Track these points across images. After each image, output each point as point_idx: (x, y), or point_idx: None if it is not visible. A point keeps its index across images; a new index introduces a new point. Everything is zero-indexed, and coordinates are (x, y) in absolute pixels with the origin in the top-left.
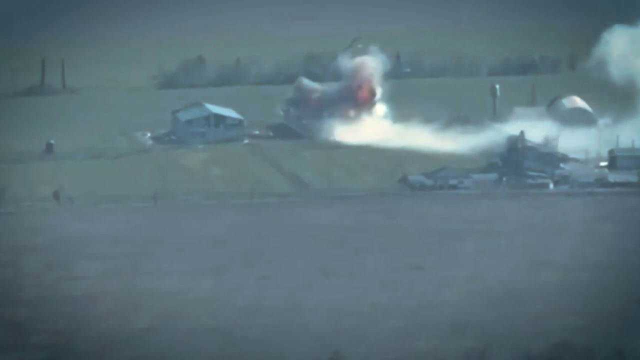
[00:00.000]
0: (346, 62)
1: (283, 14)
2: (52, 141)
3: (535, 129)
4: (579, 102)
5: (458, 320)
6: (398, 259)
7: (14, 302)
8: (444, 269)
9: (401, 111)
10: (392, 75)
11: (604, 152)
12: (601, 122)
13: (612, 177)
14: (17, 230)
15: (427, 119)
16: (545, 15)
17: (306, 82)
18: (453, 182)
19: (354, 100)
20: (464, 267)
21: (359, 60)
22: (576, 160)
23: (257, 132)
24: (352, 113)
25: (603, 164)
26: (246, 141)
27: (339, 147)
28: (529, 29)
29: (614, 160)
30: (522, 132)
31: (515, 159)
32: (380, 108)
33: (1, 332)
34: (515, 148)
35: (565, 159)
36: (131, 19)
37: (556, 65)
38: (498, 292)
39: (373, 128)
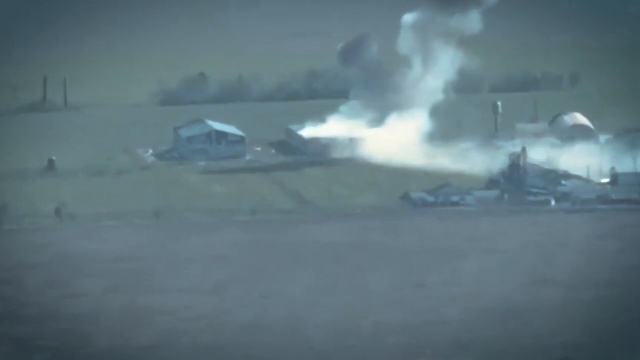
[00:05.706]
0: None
1: (285, 31)
2: (54, 158)
3: (537, 146)
4: (580, 118)
5: (460, 338)
6: (400, 277)
7: (15, 320)
8: (446, 287)
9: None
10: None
11: (606, 169)
12: (603, 139)
13: (614, 194)
14: (19, 247)
15: (430, 135)
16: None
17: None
18: (455, 199)
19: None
20: (466, 284)
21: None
22: (578, 177)
23: (259, 149)
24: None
25: (605, 181)
26: (248, 158)
27: (341, 164)
28: (531, 46)
29: (616, 177)
30: (524, 149)
31: (517, 176)
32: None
33: (3, 350)
34: (517, 165)
35: (567, 176)
36: (133, 36)
37: (558, 82)
38: (500, 310)
39: (381, 145)
